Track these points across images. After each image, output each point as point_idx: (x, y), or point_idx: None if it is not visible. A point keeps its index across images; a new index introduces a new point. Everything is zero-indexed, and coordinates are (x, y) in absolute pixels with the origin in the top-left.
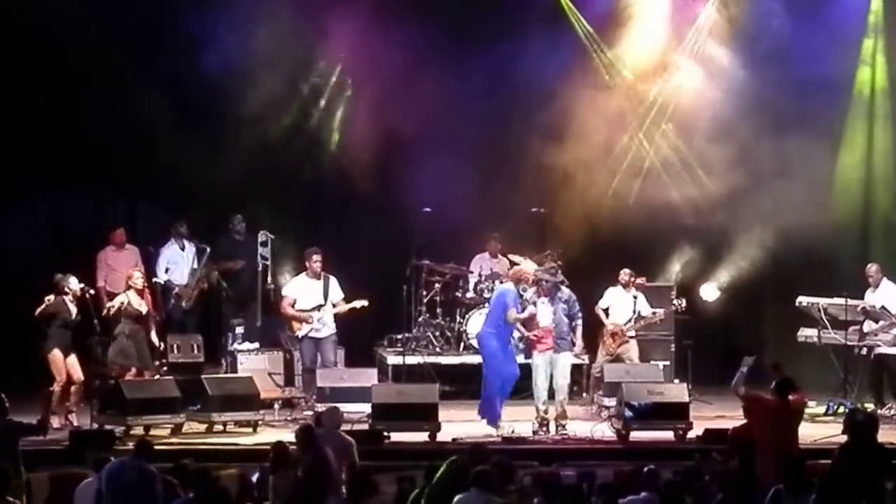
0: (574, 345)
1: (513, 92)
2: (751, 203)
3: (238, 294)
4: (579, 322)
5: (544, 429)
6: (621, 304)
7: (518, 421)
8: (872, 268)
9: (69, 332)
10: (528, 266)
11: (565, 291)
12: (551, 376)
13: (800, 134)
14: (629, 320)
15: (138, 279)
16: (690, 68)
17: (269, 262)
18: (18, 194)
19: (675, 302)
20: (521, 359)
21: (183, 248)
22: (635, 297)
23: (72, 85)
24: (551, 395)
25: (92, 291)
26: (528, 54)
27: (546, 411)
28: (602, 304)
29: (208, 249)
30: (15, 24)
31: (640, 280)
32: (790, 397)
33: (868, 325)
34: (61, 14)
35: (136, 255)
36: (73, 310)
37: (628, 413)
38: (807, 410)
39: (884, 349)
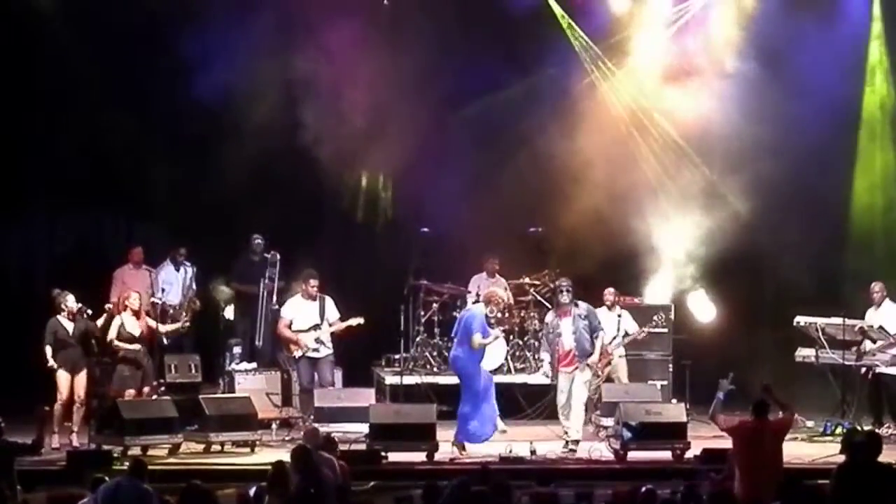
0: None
1: (511, 111)
2: (752, 223)
3: (246, 313)
4: (600, 334)
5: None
6: (606, 323)
7: (515, 441)
8: (876, 286)
9: (73, 350)
10: (499, 289)
11: (582, 306)
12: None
13: (810, 156)
14: (613, 338)
15: (135, 300)
16: (696, 85)
17: (275, 283)
18: (16, 214)
19: (655, 318)
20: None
21: (178, 270)
22: (619, 316)
23: (68, 105)
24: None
25: (90, 311)
26: (526, 74)
27: (578, 431)
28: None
29: (195, 269)
30: (12, 48)
31: (635, 299)
32: (770, 417)
33: (867, 345)
34: (50, 33)
35: (149, 276)
36: (69, 327)
37: (626, 433)
38: (805, 430)
39: (882, 369)
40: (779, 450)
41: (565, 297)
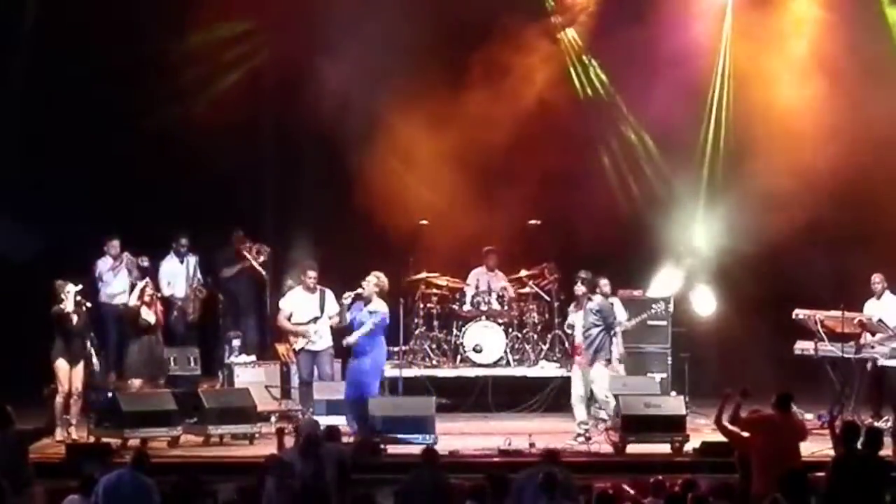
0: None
1: (509, 103)
2: (748, 215)
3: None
4: (617, 330)
5: (580, 440)
6: None
7: (515, 434)
8: (877, 277)
9: (76, 340)
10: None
11: (595, 300)
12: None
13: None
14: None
15: (148, 290)
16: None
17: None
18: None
19: (652, 308)
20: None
21: (182, 262)
22: (611, 305)
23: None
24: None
25: (89, 304)
26: (524, 65)
27: (584, 423)
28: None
29: (196, 258)
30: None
31: (635, 292)
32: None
33: (866, 338)
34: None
35: (130, 265)
36: (74, 317)
37: (625, 426)
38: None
39: (881, 362)
40: (798, 446)
41: (578, 289)
